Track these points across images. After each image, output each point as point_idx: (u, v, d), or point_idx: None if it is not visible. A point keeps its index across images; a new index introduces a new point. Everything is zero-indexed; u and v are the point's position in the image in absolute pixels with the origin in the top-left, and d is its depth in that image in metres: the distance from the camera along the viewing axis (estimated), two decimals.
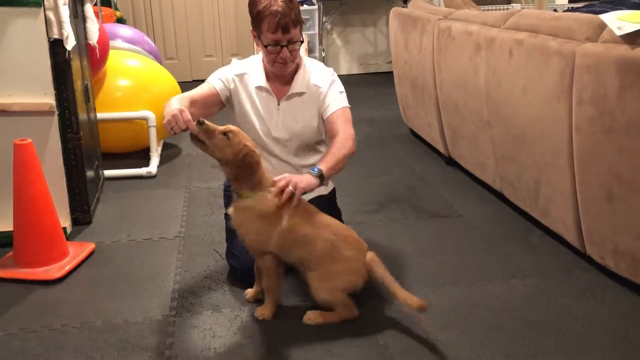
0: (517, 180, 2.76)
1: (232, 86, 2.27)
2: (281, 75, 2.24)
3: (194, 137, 1.93)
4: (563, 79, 2.25)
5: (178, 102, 2.04)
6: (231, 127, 1.95)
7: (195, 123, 1.90)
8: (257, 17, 2.11)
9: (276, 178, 1.94)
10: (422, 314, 2.00)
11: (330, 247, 1.97)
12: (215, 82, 2.27)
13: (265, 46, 2.14)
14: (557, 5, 5.74)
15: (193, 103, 2.15)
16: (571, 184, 2.32)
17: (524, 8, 4.43)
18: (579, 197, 2.29)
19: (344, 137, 2.14)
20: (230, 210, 2.00)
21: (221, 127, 1.93)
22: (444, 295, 2.18)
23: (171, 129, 1.91)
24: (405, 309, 2.02)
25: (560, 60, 2.26)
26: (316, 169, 1.99)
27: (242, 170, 1.92)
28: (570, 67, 2.20)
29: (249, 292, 2.18)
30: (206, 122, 1.91)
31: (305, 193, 1.96)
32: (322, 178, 1.99)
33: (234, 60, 2.35)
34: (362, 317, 2.04)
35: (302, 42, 2.17)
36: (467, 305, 2.12)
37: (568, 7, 5.45)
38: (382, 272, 2.01)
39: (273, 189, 1.93)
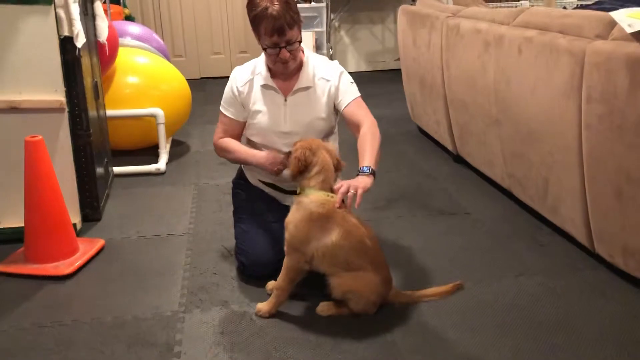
0: (526, 178, 2.75)
1: (240, 98, 2.31)
2: (285, 72, 2.26)
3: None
4: (572, 77, 2.24)
5: (238, 145, 2.34)
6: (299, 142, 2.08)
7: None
8: (254, 21, 2.14)
9: (336, 186, 1.97)
10: (430, 311, 2.02)
11: (368, 280, 1.99)
12: (229, 112, 2.34)
13: (265, 48, 2.16)
14: (566, 2, 5.71)
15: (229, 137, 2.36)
16: (580, 182, 2.31)
17: (532, 5, 4.41)
18: (588, 195, 2.28)
19: (372, 127, 2.17)
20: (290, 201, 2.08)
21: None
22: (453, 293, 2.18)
23: (274, 171, 2.21)
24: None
25: (570, 58, 2.25)
26: (366, 168, 2.01)
27: (294, 165, 2.01)
28: (579, 65, 2.19)
29: (271, 284, 2.18)
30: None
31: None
32: (374, 174, 2.02)
33: (236, 69, 2.36)
34: (371, 316, 2.05)
35: (300, 41, 2.19)
36: (475, 303, 2.12)
37: (577, 5, 5.42)
38: (407, 298, 2.11)
39: (332, 195, 1.98)
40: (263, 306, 2.07)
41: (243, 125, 2.36)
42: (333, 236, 1.95)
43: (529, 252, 2.50)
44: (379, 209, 3.00)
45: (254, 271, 2.28)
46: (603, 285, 2.22)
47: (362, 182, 1.96)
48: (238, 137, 2.37)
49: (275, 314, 2.06)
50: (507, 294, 2.18)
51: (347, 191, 1.93)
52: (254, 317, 2.07)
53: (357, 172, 2.02)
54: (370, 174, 2.00)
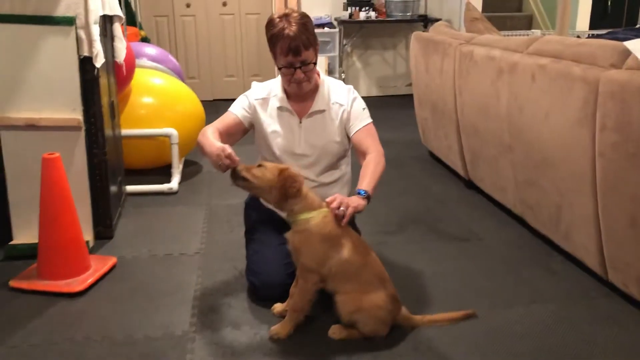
0: (538, 204, 2.75)
1: (253, 111, 2.34)
2: (301, 94, 2.28)
3: (235, 176, 2.02)
4: (586, 105, 2.25)
5: (212, 136, 2.17)
6: (264, 162, 2.05)
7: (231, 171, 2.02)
8: (271, 40, 2.19)
9: (329, 199, 1.98)
10: (442, 337, 2.01)
11: (375, 295, 1.99)
12: (238, 111, 2.34)
13: (280, 68, 2.20)
14: (578, 31, 5.76)
15: (219, 133, 2.26)
16: (593, 209, 2.31)
17: (544, 34, 4.45)
18: (601, 223, 2.28)
19: (377, 155, 2.19)
20: (288, 235, 2.04)
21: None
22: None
23: (219, 165, 2.04)
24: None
25: (584, 86, 2.26)
26: (362, 191, 2.03)
27: (286, 191, 1.97)
28: (594, 93, 2.21)
29: (278, 306, 2.19)
30: (239, 167, 2.03)
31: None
32: (369, 199, 2.04)
33: (254, 84, 2.41)
34: (382, 339, 2.04)
35: (315, 63, 2.23)
36: (487, 330, 2.11)
37: (589, 34, 5.47)
38: (417, 321, 2.10)
39: (326, 210, 1.98)
40: (278, 329, 2.06)
41: (240, 131, 2.35)
42: (344, 252, 1.97)
43: (541, 279, 2.49)
44: (390, 233, 3.00)
45: (265, 292, 2.28)
46: (617, 314, 2.19)
47: (355, 201, 1.98)
48: (228, 137, 2.30)
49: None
50: (520, 321, 2.16)
51: (338, 207, 1.94)
52: (265, 338, 2.06)
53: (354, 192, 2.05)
54: (365, 197, 2.02)
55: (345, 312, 2.00)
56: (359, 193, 2.03)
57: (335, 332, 2.04)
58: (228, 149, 2.03)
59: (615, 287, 2.31)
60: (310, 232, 1.97)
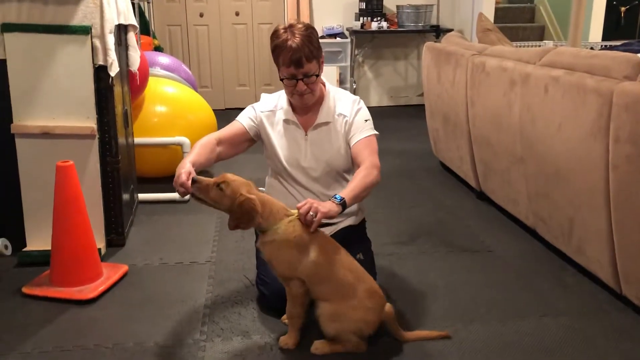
0: (550, 217, 2.73)
1: (259, 122, 2.35)
2: (304, 106, 2.28)
3: (193, 195, 1.98)
4: (600, 117, 2.24)
5: (198, 149, 2.16)
6: (226, 176, 1.97)
7: (190, 182, 1.96)
8: (274, 51, 2.19)
9: (299, 204, 1.97)
10: (453, 350, 1.99)
11: (351, 292, 1.97)
12: (244, 120, 2.35)
13: (282, 79, 2.21)
14: (591, 43, 5.74)
15: (221, 142, 2.27)
16: (607, 223, 2.29)
17: (556, 45, 4.44)
18: (614, 236, 2.26)
19: (369, 167, 2.16)
20: (258, 245, 2.04)
21: (214, 180, 1.97)
22: (476, 332, 2.16)
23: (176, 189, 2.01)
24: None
25: (598, 98, 2.25)
26: (338, 197, 2.01)
27: (243, 217, 1.94)
28: (607, 105, 2.20)
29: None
30: (199, 179, 1.96)
31: (329, 224, 1.97)
32: (344, 206, 2.00)
33: (264, 96, 2.42)
34: (375, 351, 2.03)
35: (317, 75, 2.21)
36: (499, 343, 2.09)
37: (602, 45, 5.44)
38: (401, 332, 2.08)
39: (293, 217, 1.97)
40: (286, 339, 2.06)
41: (245, 141, 2.34)
42: (312, 254, 1.95)
43: (554, 292, 2.47)
44: (401, 244, 2.99)
45: (274, 302, 2.27)
46: (631, 329, 2.17)
47: (326, 206, 1.95)
48: (232, 146, 2.31)
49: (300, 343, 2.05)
50: (532, 334, 2.14)
51: (308, 211, 1.92)
52: (275, 347, 2.06)
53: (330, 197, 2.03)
54: (340, 204, 1.99)
55: (326, 320, 1.97)
56: (334, 198, 2.00)
57: (317, 347, 2.02)
58: (183, 177, 1.97)
59: (629, 301, 2.29)
60: (277, 242, 1.96)
